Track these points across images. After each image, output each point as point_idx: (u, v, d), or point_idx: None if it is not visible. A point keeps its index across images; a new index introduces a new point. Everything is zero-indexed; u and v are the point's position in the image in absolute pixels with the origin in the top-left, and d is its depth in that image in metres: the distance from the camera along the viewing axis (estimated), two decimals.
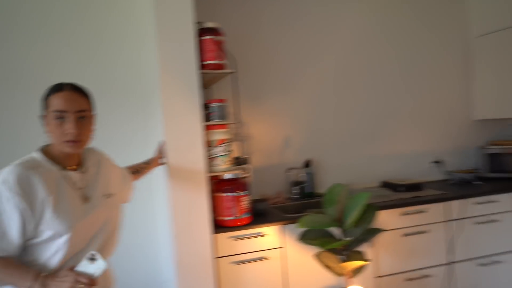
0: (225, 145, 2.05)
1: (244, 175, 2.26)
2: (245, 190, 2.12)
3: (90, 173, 1.32)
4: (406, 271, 2.36)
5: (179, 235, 1.94)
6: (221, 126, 2.06)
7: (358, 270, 1.97)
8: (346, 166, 2.87)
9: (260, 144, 2.66)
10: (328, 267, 1.96)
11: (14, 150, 2.02)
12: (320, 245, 1.85)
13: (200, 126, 1.96)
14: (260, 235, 2.12)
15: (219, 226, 2.09)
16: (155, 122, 2.15)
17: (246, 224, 2.11)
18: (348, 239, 1.94)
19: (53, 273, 1.13)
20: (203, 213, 1.98)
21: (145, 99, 2.36)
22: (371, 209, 1.92)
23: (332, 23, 2.84)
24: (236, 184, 2.10)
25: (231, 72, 2.07)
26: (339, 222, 1.92)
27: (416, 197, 2.45)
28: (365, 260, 1.90)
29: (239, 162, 2.26)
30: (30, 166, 1.16)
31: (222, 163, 2.06)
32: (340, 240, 1.95)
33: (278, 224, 2.15)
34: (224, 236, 2.06)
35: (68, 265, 1.17)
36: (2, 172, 1.14)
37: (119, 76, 2.33)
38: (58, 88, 1.21)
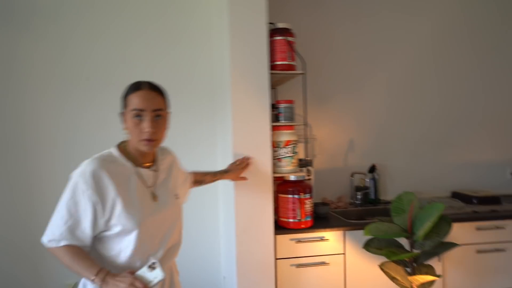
0: (291, 147, 2.05)
1: (308, 178, 2.24)
2: (309, 192, 2.10)
3: (161, 172, 1.33)
4: None
5: (242, 234, 1.96)
6: (289, 127, 2.06)
7: (426, 285, 1.87)
8: (414, 174, 2.73)
9: (324, 146, 2.62)
10: (394, 278, 1.88)
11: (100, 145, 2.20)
12: (387, 255, 1.77)
13: (268, 127, 1.97)
14: (321, 239, 2.08)
15: (280, 228, 2.09)
16: (223, 123, 2.20)
17: (308, 227, 2.09)
18: (417, 251, 1.84)
19: (115, 273, 1.16)
20: (267, 213, 1.99)
21: (215, 100, 2.42)
22: (445, 222, 1.81)
23: (404, 24, 2.72)
24: (300, 186, 2.08)
25: (300, 73, 2.06)
26: (408, 232, 1.83)
27: (493, 211, 2.27)
28: (436, 276, 1.79)
29: (303, 164, 2.24)
30: (105, 161, 1.20)
31: (288, 165, 2.05)
32: (408, 252, 1.86)
33: (340, 230, 2.10)
34: (285, 238, 2.06)
35: (139, 263, 1.22)
36: (82, 164, 1.20)
37: (190, 77, 2.41)
38: (136, 87, 1.24)
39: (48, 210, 2.20)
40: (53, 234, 1.18)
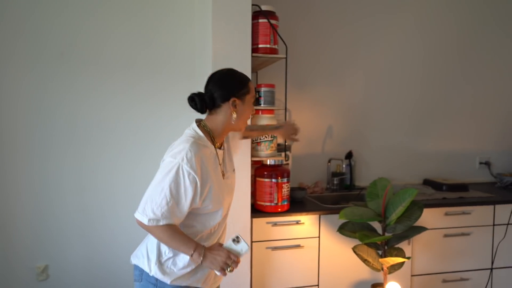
0: None
1: (286, 162, 2.26)
2: (287, 177, 2.12)
3: (226, 150, 1.43)
4: (444, 272, 2.31)
5: None
6: (269, 111, 2.06)
7: (396, 267, 1.95)
8: (388, 161, 2.80)
9: (302, 132, 2.60)
10: (365, 261, 1.95)
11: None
12: (360, 238, 1.83)
13: None
14: (297, 223, 2.12)
15: (257, 211, 2.11)
16: None
17: (284, 211, 2.12)
18: (389, 234, 1.91)
19: (209, 247, 1.25)
20: (245, 197, 2.00)
21: (194, 79, 2.38)
22: (416, 207, 1.88)
23: (387, 13, 2.74)
24: (278, 171, 2.10)
25: (282, 58, 2.05)
26: (381, 216, 1.89)
27: (461, 197, 2.37)
28: (405, 258, 1.87)
29: (281, 148, 2.26)
30: (201, 145, 1.26)
31: (267, 149, 2.06)
32: (381, 235, 1.92)
33: (315, 214, 2.14)
34: (261, 221, 2.08)
35: (215, 236, 1.35)
36: (180, 147, 1.23)
37: (171, 56, 2.34)
38: (248, 77, 1.40)
39: (16, 189, 2.17)
40: (155, 214, 1.20)
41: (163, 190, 1.20)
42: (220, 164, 1.35)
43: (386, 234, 1.92)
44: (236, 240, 1.25)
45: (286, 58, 2.07)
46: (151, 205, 1.21)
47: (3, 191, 2.16)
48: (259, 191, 2.11)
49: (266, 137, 2.05)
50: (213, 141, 1.32)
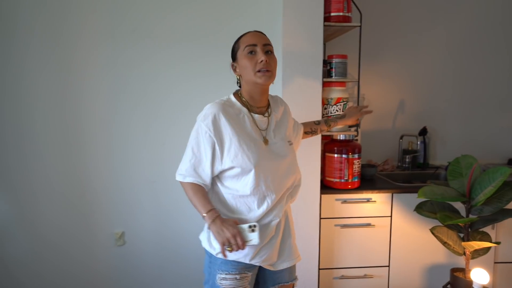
0: (342, 104, 1.95)
1: (356, 138, 2.15)
2: (358, 152, 2.03)
3: (273, 119, 1.37)
4: None
5: None
6: (341, 83, 1.96)
7: (481, 252, 1.80)
8: (467, 138, 2.58)
9: (372, 106, 2.50)
10: (445, 243, 1.82)
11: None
12: (441, 219, 1.70)
13: (319, 82, 1.88)
14: (368, 201, 2.03)
15: (326, 187, 2.05)
16: None
17: (355, 188, 2.04)
18: (474, 217, 1.75)
19: (224, 218, 1.24)
20: (315, 172, 1.95)
21: None
22: (509, 187, 1.70)
23: None
24: (349, 146, 2.01)
25: (356, 26, 1.92)
26: (466, 197, 1.74)
27: None
28: (494, 243, 1.71)
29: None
30: (224, 105, 1.28)
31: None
32: (464, 217, 1.78)
33: (388, 192, 2.04)
34: (331, 197, 2.02)
35: (255, 204, 1.28)
36: (205, 108, 1.29)
37: (239, 27, 2.28)
38: (244, 33, 1.32)
39: (95, 162, 2.30)
40: (181, 169, 1.31)
41: (187, 149, 1.30)
42: (259, 128, 1.31)
43: (471, 216, 1.76)
44: (252, 228, 1.21)
45: (360, 26, 1.94)
46: (182, 162, 1.31)
47: (84, 164, 2.31)
48: (329, 167, 2.04)
49: (337, 110, 1.95)
50: (247, 105, 1.32)
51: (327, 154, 2.04)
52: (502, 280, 2.11)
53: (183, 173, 1.30)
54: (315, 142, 1.92)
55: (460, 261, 2.02)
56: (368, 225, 2.05)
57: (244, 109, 1.31)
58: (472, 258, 1.81)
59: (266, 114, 1.36)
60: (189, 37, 2.25)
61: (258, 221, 1.28)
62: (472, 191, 1.72)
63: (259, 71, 1.25)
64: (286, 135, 1.39)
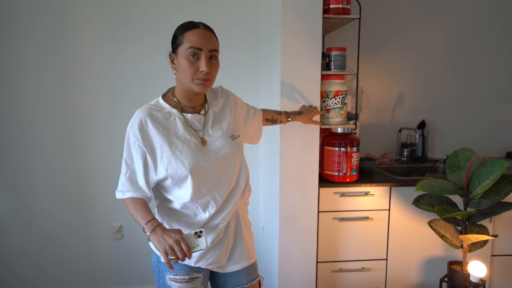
0: (340, 97, 1.94)
1: (355, 131, 2.15)
2: (357, 146, 2.02)
3: (212, 115, 1.28)
4: None
5: (286, 184, 1.94)
6: (339, 76, 1.94)
7: (478, 245, 1.80)
8: (466, 132, 2.57)
9: (370, 99, 2.50)
10: (443, 236, 1.82)
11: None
12: (439, 212, 1.70)
13: (318, 75, 1.86)
14: (366, 194, 2.03)
15: (324, 180, 2.05)
16: (270, 70, 2.10)
17: (353, 182, 2.04)
18: (472, 210, 1.76)
19: (165, 228, 1.13)
20: (313, 165, 1.94)
21: (259, 45, 2.31)
22: (507, 181, 1.70)
23: None
24: (348, 139, 2.01)
25: (355, 18, 1.90)
26: (464, 190, 1.74)
27: None
28: (492, 235, 1.72)
29: (349, 117, 2.15)
30: (151, 110, 1.20)
31: (336, 116, 1.96)
32: (462, 210, 1.78)
33: (386, 185, 2.04)
34: (329, 191, 2.02)
35: (200, 209, 1.22)
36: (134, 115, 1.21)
37: (235, 17, 2.28)
38: (192, 25, 1.18)
39: (94, 155, 2.29)
40: (119, 186, 1.23)
41: (123, 162, 1.21)
42: (194, 129, 1.22)
43: (469, 209, 1.77)
44: (199, 234, 1.12)
45: (359, 19, 1.92)
46: (120, 178, 1.23)
47: (83, 158, 2.30)
48: (327, 160, 2.04)
49: (336, 103, 1.94)
50: (178, 106, 1.22)
51: (326, 147, 2.04)
52: (499, 273, 2.12)
53: (121, 190, 1.22)
54: (313, 135, 1.91)
55: (457, 254, 2.03)
56: (366, 218, 2.05)
57: (175, 111, 1.22)
58: (470, 251, 1.82)
59: (202, 112, 1.27)
60: None
61: (205, 224, 1.23)
62: (470, 184, 1.72)
63: (199, 78, 1.16)
64: (228, 129, 1.29)
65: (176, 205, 1.24)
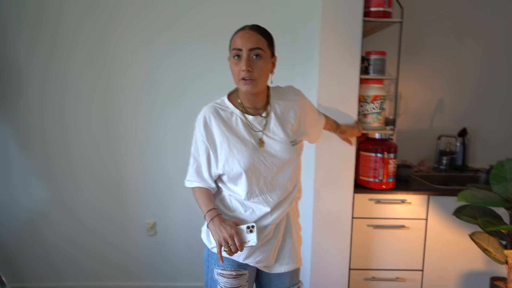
0: (379, 102, 1.90)
1: (392, 137, 2.10)
2: (394, 152, 1.97)
3: (274, 116, 1.28)
4: None
5: (320, 189, 1.92)
6: (378, 81, 1.91)
7: None
8: (510, 142, 2.45)
9: (409, 105, 2.43)
10: (485, 250, 1.74)
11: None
12: (483, 225, 1.63)
13: (357, 80, 1.84)
14: (403, 202, 1.98)
15: (359, 186, 2.01)
16: (307, 74, 2.09)
17: (389, 189, 1.99)
18: None
19: (224, 218, 1.23)
20: (348, 170, 1.91)
21: (295, 48, 2.30)
22: None
23: None
24: (385, 145, 1.96)
25: (397, 22, 1.86)
26: (510, 203, 1.66)
27: None
28: None
29: (386, 122, 2.10)
30: (216, 108, 1.26)
31: (374, 121, 1.93)
32: (508, 224, 1.70)
33: (424, 194, 1.98)
34: (364, 197, 1.98)
35: (254, 206, 1.26)
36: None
37: (278, 20, 2.25)
38: (241, 28, 1.24)
39: (130, 154, 2.36)
40: (188, 175, 1.33)
41: (191, 154, 1.31)
42: (254, 130, 1.25)
43: None
44: (250, 229, 1.18)
45: (401, 22, 1.87)
46: (188, 169, 1.32)
47: (120, 155, 2.38)
48: (363, 166, 2.00)
49: (374, 108, 1.91)
50: (241, 106, 1.27)
51: (362, 152, 2.00)
52: None
53: (189, 179, 1.33)
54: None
55: (500, 270, 1.93)
56: (402, 227, 1.99)
57: (237, 111, 1.26)
58: None
59: (264, 114, 1.28)
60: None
61: (256, 222, 1.25)
62: None
63: (243, 78, 1.19)
64: (290, 133, 1.29)
65: (232, 199, 1.30)
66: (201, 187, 1.31)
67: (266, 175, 1.25)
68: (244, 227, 1.19)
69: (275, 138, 1.27)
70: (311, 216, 1.94)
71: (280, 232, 1.32)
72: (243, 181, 1.24)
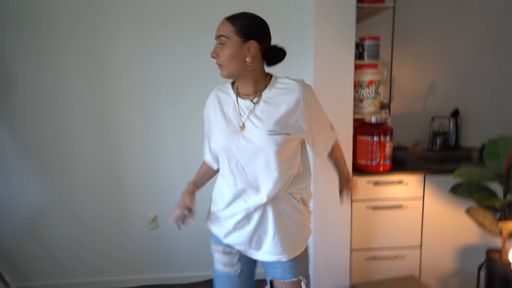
0: (374, 87, 1.94)
1: (387, 120, 2.14)
2: (390, 135, 2.02)
3: (261, 103, 1.26)
4: None
5: (319, 174, 1.96)
6: (373, 66, 1.94)
7: None
8: (501, 120, 2.52)
9: (402, 88, 2.47)
10: (481, 224, 1.81)
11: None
12: (478, 200, 1.69)
13: (351, 65, 1.86)
14: (400, 183, 2.03)
15: (357, 170, 2.06)
16: (302, 60, 2.11)
17: (386, 171, 2.04)
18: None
19: (189, 190, 1.43)
20: (346, 155, 1.91)
21: (292, 33, 2.30)
22: None
23: None
24: (381, 129, 2.00)
25: (390, 7, 1.89)
26: (503, 178, 1.72)
27: None
28: None
29: (381, 106, 2.14)
30: (219, 90, 1.38)
31: (369, 106, 1.97)
32: (501, 198, 1.76)
33: (420, 174, 2.03)
34: (362, 180, 2.03)
35: (238, 184, 1.31)
36: None
37: (268, 7, 2.24)
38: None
39: (129, 149, 2.36)
40: (204, 149, 1.49)
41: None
42: (240, 113, 1.28)
43: (509, 197, 1.75)
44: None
45: (394, 7, 1.90)
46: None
47: (120, 150, 2.38)
48: (360, 150, 2.04)
49: (369, 93, 1.94)
50: (236, 90, 1.32)
51: (359, 137, 2.04)
52: None
53: (204, 152, 1.48)
54: (346, 124, 1.92)
55: (496, 242, 2.01)
56: (400, 207, 2.05)
57: (233, 96, 1.33)
58: (510, 238, 1.80)
59: (255, 100, 1.28)
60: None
61: (232, 200, 1.33)
62: (510, 172, 1.70)
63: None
64: (272, 123, 1.24)
65: (222, 174, 1.40)
66: (204, 162, 1.50)
67: (238, 158, 1.28)
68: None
69: (256, 124, 1.25)
70: (312, 201, 1.98)
71: (261, 220, 1.31)
72: (222, 158, 1.34)
